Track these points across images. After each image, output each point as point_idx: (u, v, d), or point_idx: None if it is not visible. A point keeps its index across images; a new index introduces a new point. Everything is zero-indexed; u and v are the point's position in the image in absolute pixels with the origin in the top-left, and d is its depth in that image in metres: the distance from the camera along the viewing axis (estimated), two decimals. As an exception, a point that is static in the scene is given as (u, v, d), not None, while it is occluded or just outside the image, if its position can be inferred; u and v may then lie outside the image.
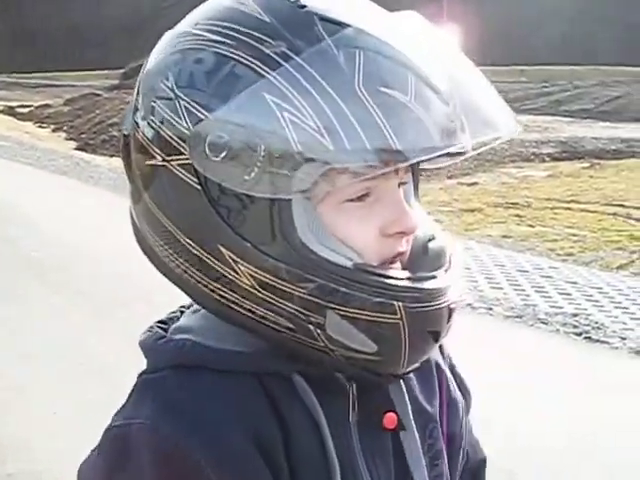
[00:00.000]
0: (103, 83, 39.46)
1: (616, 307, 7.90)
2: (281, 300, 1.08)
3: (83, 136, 23.73)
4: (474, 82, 1.15)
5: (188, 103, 1.07)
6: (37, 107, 31.45)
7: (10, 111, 31.28)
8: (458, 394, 1.36)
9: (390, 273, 1.10)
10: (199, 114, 1.06)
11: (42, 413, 5.45)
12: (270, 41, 1.05)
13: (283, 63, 1.03)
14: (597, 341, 6.94)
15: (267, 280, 1.07)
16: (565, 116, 27.08)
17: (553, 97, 31.19)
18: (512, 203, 13.42)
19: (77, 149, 21.97)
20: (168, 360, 1.15)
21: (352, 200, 1.09)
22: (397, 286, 1.09)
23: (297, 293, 1.07)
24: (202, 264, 1.11)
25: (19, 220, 11.45)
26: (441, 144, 1.04)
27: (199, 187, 1.07)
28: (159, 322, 1.23)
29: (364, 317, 1.07)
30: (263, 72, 1.03)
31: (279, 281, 1.07)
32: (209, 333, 1.17)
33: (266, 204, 1.05)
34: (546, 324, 7.33)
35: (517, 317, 7.53)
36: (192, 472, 1.06)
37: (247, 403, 1.12)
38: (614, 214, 12.41)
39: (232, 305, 1.11)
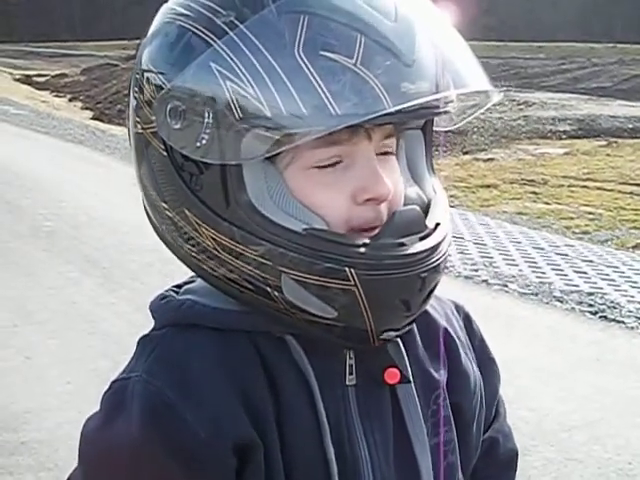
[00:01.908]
0: (120, 53, 39.48)
1: (632, 287, 7.88)
2: (240, 262, 1.12)
3: (99, 106, 23.76)
4: (449, 43, 1.16)
5: (156, 74, 1.14)
6: (54, 76, 31.51)
7: (27, 80, 31.33)
8: (472, 368, 1.36)
9: (344, 239, 1.10)
10: (162, 84, 1.12)
11: (54, 382, 5.47)
12: (222, 11, 1.09)
13: (229, 32, 1.07)
14: (613, 320, 6.91)
15: (225, 242, 1.12)
16: (582, 94, 26.94)
17: (571, 74, 31.08)
18: (528, 180, 13.36)
19: (93, 118, 21.99)
20: (168, 318, 1.21)
21: (321, 167, 1.12)
22: (350, 252, 1.09)
23: (251, 255, 1.11)
24: (176, 227, 1.17)
25: (33, 189, 11.45)
26: (388, 106, 1.03)
27: (165, 154, 1.14)
28: (175, 285, 1.28)
29: (316, 282, 1.09)
30: (211, 42, 1.08)
31: (234, 243, 1.11)
32: (210, 294, 1.20)
33: (218, 169, 1.10)
34: (562, 302, 7.31)
35: (533, 294, 7.51)
36: (177, 426, 1.11)
37: (238, 361, 1.16)
38: (630, 193, 12.35)
39: (203, 266, 1.17)
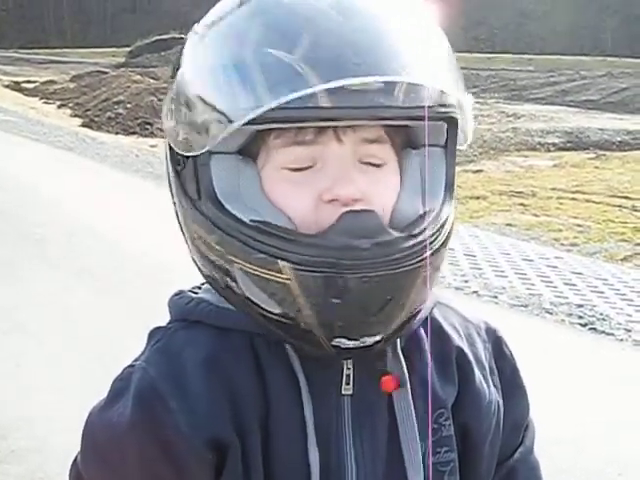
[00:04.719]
0: (110, 61, 39.44)
1: (621, 299, 7.89)
2: (209, 252, 1.18)
3: (88, 113, 23.69)
4: (412, 43, 1.14)
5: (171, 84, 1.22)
6: (43, 83, 31.40)
7: (16, 86, 31.24)
8: (487, 391, 1.33)
9: (285, 233, 1.12)
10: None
11: (45, 389, 5.44)
12: (211, 22, 1.18)
13: (204, 36, 1.18)
14: (602, 332, 6.92)
15: (197, 232, 1.18)
16: (571, 106, 27.06)
17: (560, 87, 31.18)
18: (517, 192, 13.40)
19: (82, 126, 21.94)
20: (178, 314, 1.27)
21: (292, 169, 1.15)
22: (286, 245, 1.11)
23: (212, 244, 1.16)
24: (179, 222, 1.24)
25: (23, 196, 11.42)
26: (327, 102, 1.06)
27: (169, 152, 1.23)
28: (202, 283, 1.31)
29: (255, 272, 1.12)
30: (189, 45, 1.20)
31: (201, 232, 1.18)
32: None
33: (192, 162, 1.16)
34: (551, 314, 7.32)
35: (522, 306, 7.52)
36: (162, 416, 1.15)
37: (231, 360, 1.19)
38: (619, 206, 12.39)
39: (197, 262, 1.23)
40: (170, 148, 1.21)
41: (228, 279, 1.16)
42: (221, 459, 1.16)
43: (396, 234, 1.13)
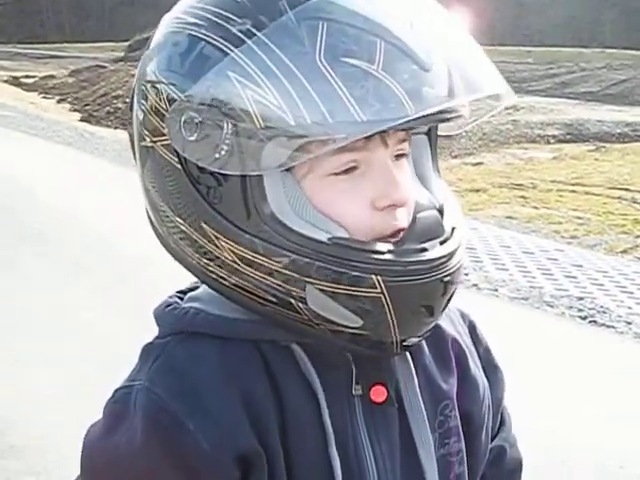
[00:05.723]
0: (108, 55, 39.45)
1: (621, 291, 7.89)
2: (261, 274, 1.10)
3: (87, 107, 23.74)
4: (464, 47, 1.14)
5: (167, 85, 1.11)
6: (42, 78, 31.44)
7: (15, 81, 31.28)
8: (479, 375, 1.35)
9: (369, 247, 1.09)
10: (175, 95, 1.09)
11: (42, 385, 5.43)
12: (237, 19, 1.07)
13: (246, 40, 1.05)
14: (602, 325, 6.93)
15: (246, 255, 1.10)
16: (570, 98, 27.07)
17: (559, 79, 31.20)
18: (517, 184, 13.39)
19: (81, 120, 21.98)
20: (172, 327, 1.19)
21: (338, 174, 1.10)
22: (375, 259, 1.08)
23: (274, 267, 1.09)
24: (191, 241, 1.15)
25: (21, 191, 11.41)
26: (411, 111, 1.02)
27: (180, 167, 1.11)
28: (179, 291, 1.26)
29: (343, 291, 1.08)
30: (228, 51, 1.06)
31: (257, 256, 1.09)
32: (215, 302, 1.19)
33: (238, 181, 1.07)
34: (552, 307, 7.32)
35: (523, 299, 7.52)
36: (179, 437, 1.09)
37: (242, 370, 1.14)
38: (619, 198, 12.38)
39: (220, 280, 1.15)
40: (180, 164, 1.11)
41: (292, 300, 1.10)
42: (246, 473, 1.12)
43: (447, 229, 1.16)
